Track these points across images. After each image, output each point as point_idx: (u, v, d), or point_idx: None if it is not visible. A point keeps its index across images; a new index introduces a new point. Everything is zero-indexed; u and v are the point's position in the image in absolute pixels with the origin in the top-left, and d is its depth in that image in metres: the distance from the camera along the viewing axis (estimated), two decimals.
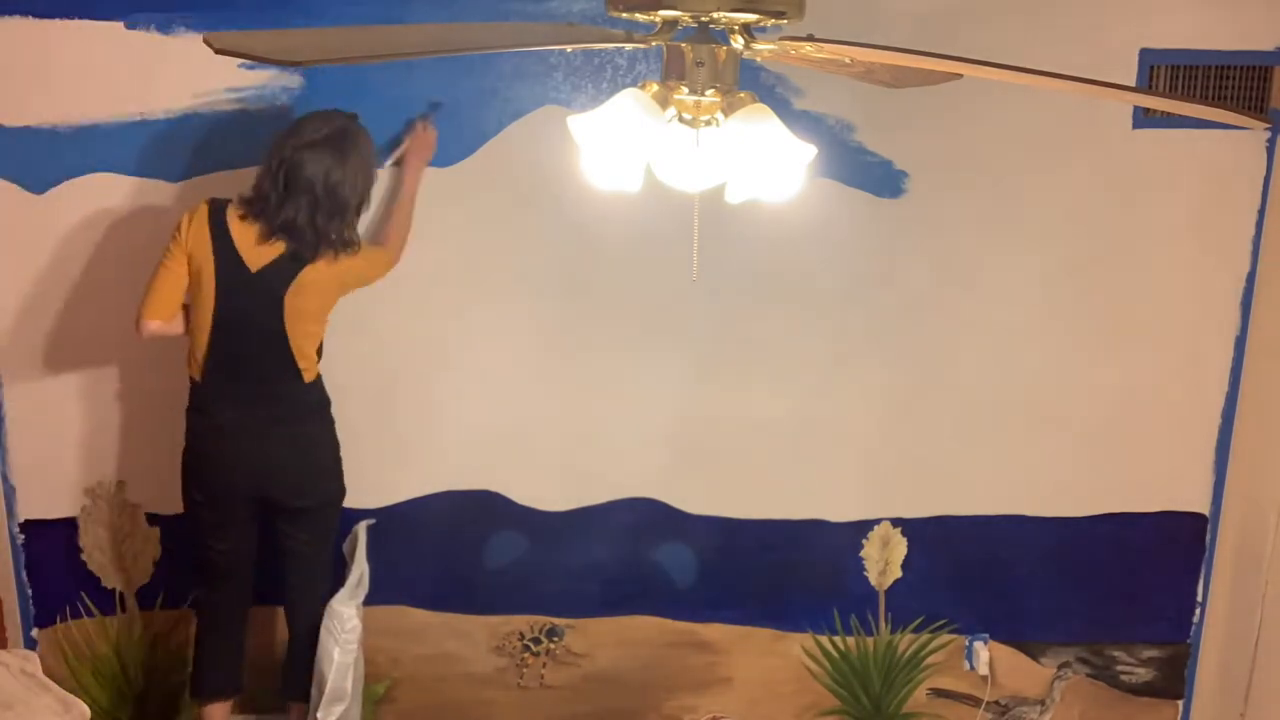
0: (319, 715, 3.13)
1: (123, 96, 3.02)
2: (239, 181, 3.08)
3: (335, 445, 3.08)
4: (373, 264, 2.96)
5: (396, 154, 3.06)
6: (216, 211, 2.82)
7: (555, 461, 3.38)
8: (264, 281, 2.83)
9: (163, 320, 2.86)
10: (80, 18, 2.95)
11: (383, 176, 3.04)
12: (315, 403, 3.02)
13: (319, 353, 3.00)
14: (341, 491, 3.13)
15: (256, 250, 2.81)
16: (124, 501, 3.33)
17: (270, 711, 3.39)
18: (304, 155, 2.75)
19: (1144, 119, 3.18)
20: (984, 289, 3.31)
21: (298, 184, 2.75)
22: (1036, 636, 3.58)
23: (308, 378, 2.96)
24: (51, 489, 3.30)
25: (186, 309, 2.91)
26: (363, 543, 3.31)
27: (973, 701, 3.61)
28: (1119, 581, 3.53)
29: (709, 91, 1.75)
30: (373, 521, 3.33)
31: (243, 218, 2.81)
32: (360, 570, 3.28)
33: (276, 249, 2.81)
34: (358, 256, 2.89)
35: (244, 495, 3.01)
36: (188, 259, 2.83)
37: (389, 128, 3.10)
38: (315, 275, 2.84)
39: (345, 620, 3.16)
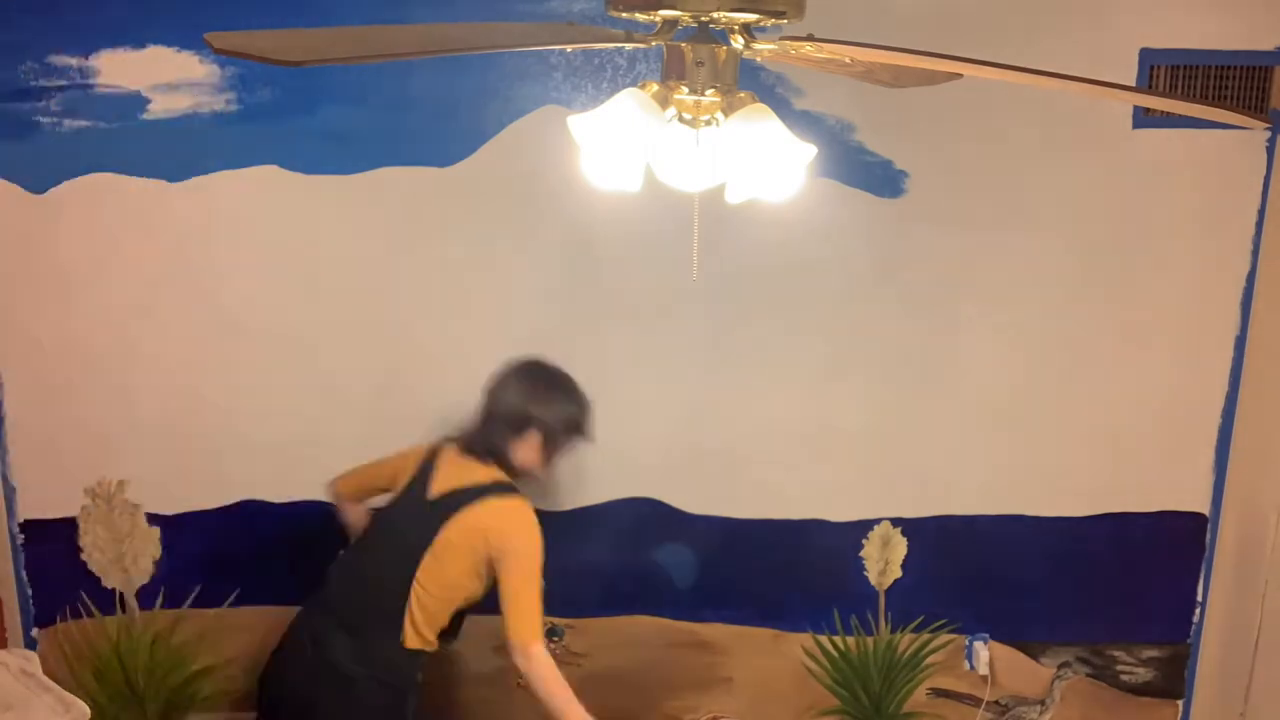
0: None
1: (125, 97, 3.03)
2: (240, 181, 3.09)
3: None
4: (508, 525, 2.75)
5: None
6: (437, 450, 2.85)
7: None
8: (432, 508, 2.74)
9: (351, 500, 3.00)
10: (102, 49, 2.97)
11: None
12: (392, 671, 2.76)
13: (441, 637, 2.83)
14: None
15: (445, 474, 2.79)
16: (124, 501, 3.33)
17: None
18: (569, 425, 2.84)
19: (1144, 119, 3.18)
20: (984, 289, 3.31)
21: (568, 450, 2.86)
22: (1036, 636, 3.58)
23: (407, 644, 2.75)
24: (51, 489, 3.30)
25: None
26: None
27: (973, 701, 3.61)
28: (1119, 581, 3.53)
29: (709, 91, 1.75)
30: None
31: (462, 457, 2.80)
32: None
33: (463, 476, 2.76)
34: (499, 511, 2.74)
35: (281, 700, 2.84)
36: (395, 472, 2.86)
37: (389, 128, 3.10)
38: (462, 523, 2.71)
39: None
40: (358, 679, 2.73)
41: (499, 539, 2.72)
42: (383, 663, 2.75)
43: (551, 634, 3.50)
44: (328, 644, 2.74)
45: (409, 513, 2.79)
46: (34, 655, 2.69)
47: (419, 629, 2.76)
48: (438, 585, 2.74)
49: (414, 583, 2.72)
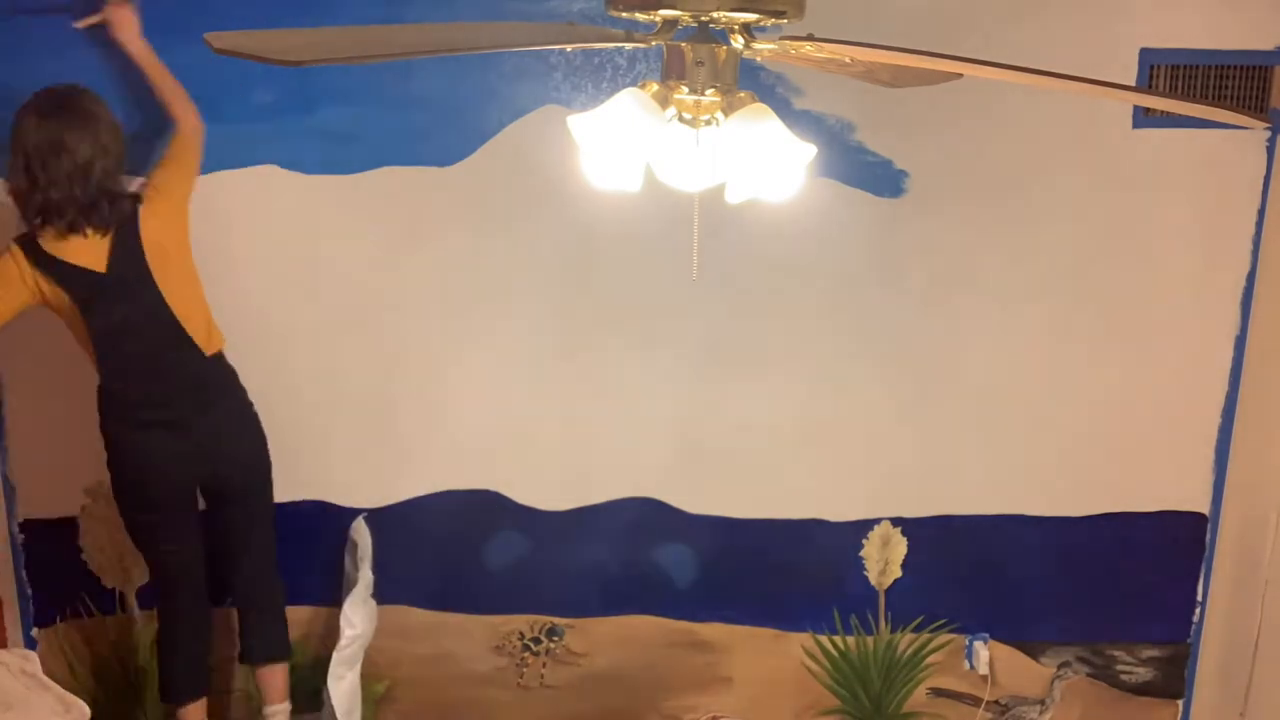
0: None
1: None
2: (240, 181, 3.09)
3: (256, 419, 3.05)
4: (178, 156, 2.88)
5: (90, 20, 2.87)
6: (30, 246, 2.73)
7: (555, 461, 3.38)
8: (120, 271, 2.78)
9: None
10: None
11: None
12: (223, 378, 2.98)
13: (216, 330, 2.96)
14: (268, 465, 3.10)
15: (92, 251, 2.75)
16: None
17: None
18: (43, 143, 2.64)
19: (1144, 119, 3.18)
20: (984, 289, 3.31)
21: (59, 174, 2.65)
22: (1036, 636, 3.58)
23: (208, 351, 2.92)
24: (51, 489, 3.30)
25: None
26: (368, 542, 3.31)
27: (973, 701, 3.61)
28: (1119, 581, 3.53)
29: (709, 91, 1.75)
30: (365, 514, 3.34)
31: (57, 235, 2.72)
32: (368, 573, 3.28)
33: (106, 238, 2.75)
34: (160, 170, 2.86)
35: (180, 488, 2.98)
36: (27, 297, 2.76)
37: (389, 128, 3.10)
38: (152, 223, 2.80)
39: (351, 624, 3.17)
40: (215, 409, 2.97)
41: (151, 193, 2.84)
42: (212, 384, 2.96)
43: (551, 634, 3.50)
44: (172, 416, 2.90)
45: (113, 286, 2.78)
46: (34, 655, 2.68)
47: (202, 335, 2.91)
48: (180, 287, 2.87)
49: (170, 309, 2.84)
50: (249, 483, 3.09)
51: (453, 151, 3.13)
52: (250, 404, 3.05)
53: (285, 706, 3.24)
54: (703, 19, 1.69)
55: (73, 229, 2.72)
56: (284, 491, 3.22)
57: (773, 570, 3.49)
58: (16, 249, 2.74)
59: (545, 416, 3.35)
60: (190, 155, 2.90)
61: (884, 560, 3.50)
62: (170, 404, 2.92)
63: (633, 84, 1.88)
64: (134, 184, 2.87)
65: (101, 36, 2.91)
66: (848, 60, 1.88)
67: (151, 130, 2.97)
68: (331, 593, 3.36)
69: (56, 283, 2.75)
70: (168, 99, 2.90)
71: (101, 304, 2.78)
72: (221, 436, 3.00)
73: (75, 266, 2.75)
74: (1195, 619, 3.57)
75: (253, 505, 3.11)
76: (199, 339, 2.90)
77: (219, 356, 2.97)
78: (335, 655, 3.18)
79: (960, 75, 1.89)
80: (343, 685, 3.19)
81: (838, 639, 3.55)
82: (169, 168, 2.87)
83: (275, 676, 3.22)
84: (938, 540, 3.48)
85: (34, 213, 2.71)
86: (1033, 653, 3.59)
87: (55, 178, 2.66)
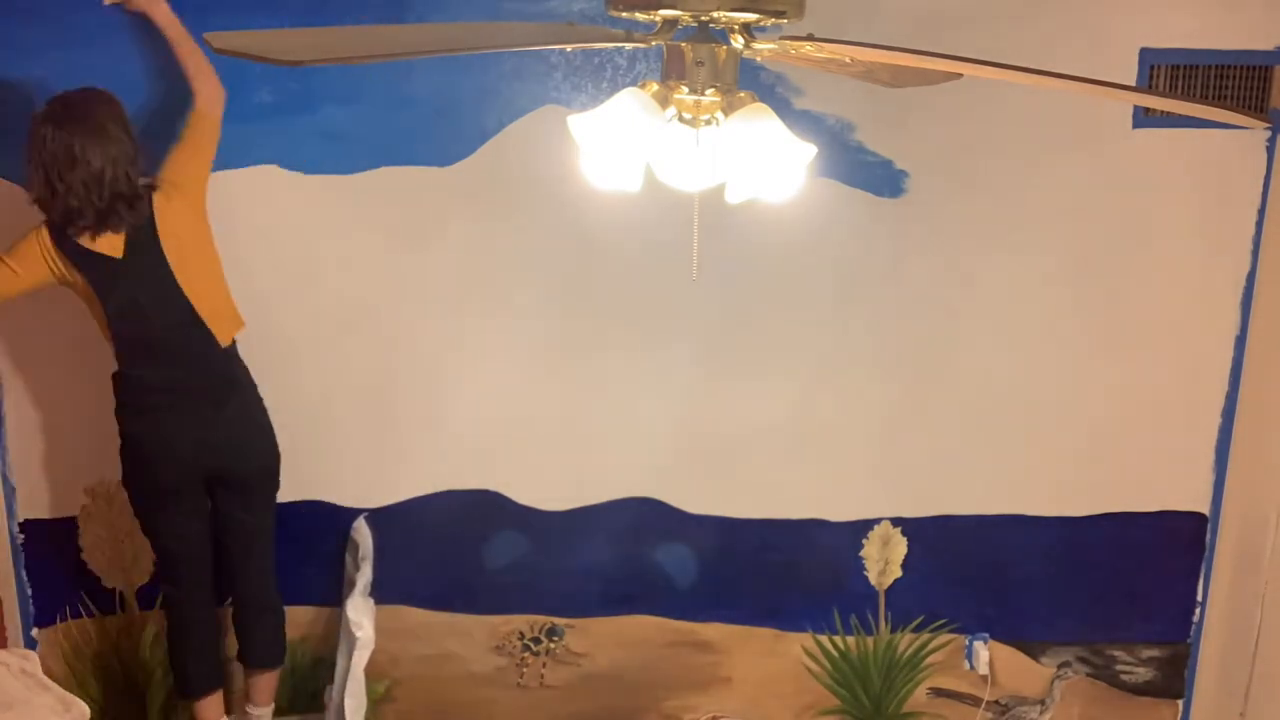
0: None
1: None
2: (240, 181, 3.09)
3: (264, 412, 3.06)
4: (193, 140, 2.87)
5: None
6: (56, 229, 2.77)
7: (555, 461, 3.38)
8: (137, 257, 2.80)
9: None
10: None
11: None
12: (235, 370, 2.99)
13: (235, 319, 2.96)
14: (277, 459, 3.10)
15: (111, 238, 2.78)
16: (124, 501, 3.32)
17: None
18: (59, 153, 2.67)
19: (1144, 119, 3.18)
20: (984, 289, 3.31)
21: (75, 183, 2.69)
22: (1036, 636, 3.58)
23: (223, 341, 2.93)
24: (51, 489, 3.30)
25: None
26: (369, 542, 3.31)
27: (973, 701, 3.61)
28: (1119, 581, 3.53)
29: (709, 91, 1.75)
30: (365, 514, 3.34)
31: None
32: (368, 572, 3.27)
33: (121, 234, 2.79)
34: (174, 155, 2.86)
35: (187, 476, 2.99)
36: (47, 275, 2.81)
37: (389, 127, 3.10)
38: (167, 211, 2.82)
39: (358, 626, 3.16)
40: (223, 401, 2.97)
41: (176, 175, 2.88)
42: (224, 376, 2.96)
43: (551, 634, 3.50)
44: (181, 404, 2.93)
45: (129, 271, 2.81)
46: (34, 655, 2.68)
47: (221, 319, 2.93)
48: (197, 273, 2.89)
49: (185, 295, 2.86)
50: (252, 480, 3.09)
51: (452, 151, 3.14)
52: (261, 401, 3.05)
53: (268, 710, 3.26)
54: (703, 19, 1.69)
55: (93, 232, 2.76)
56: (285, 491, 3.21)
57: (773, 570, 3.49)
58: (44, 230, 2.79)
59: (545, 416, 3.35)
60: (204, 136, 2.88)
61: (884, 560, 3.50)
62: (182, 391, 2.93)
63: (633, 84, 1.88)
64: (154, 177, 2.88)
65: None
66: (848, 60, 1.88)
67: (171, 108, 2.96)
68: (332, 593, 3.37)
69: (75, 266, 2.79)
70: (189, 69, 2.88)
71: (118, 288, 2.82)
72: (231, 428, 3.00)
73: (94, 252, 2.78)
74: (1195, 619, 3.57)
75: (254, 505, 3.11)
76: (214, 327, 2.91)
77: (233, 349, 2.98)
78: (355, 665, 3.15)
79: (960, 75, 1.90)
80: (354, 688, 3.19)
81: (838, 639, 3.55)
82: (183, 153, 2.88)
83: (265, 679, 3.24)
84: (938, 540, 3.48)
85: (57, 217, 2.76)
86: (1033, 653, 3.59)
87: (72, 186, 2.70)
